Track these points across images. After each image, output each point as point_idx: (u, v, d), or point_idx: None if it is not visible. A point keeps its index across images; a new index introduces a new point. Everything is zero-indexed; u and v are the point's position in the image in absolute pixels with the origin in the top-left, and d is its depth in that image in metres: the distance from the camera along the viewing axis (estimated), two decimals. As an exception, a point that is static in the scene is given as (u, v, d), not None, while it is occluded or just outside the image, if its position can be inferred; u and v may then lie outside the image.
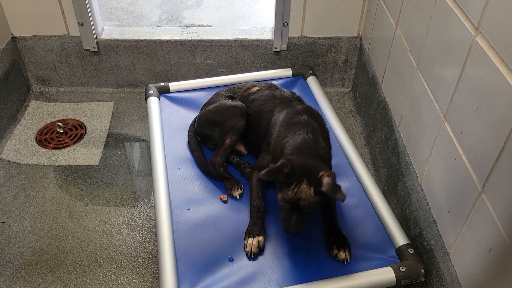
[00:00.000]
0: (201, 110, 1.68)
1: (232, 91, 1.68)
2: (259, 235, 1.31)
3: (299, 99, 1.55)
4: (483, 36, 1.03)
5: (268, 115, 1.50)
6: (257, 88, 1.62)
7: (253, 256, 1.29)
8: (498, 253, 0.96)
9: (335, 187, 1.17)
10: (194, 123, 1.69)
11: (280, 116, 1.44)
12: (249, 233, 1.32)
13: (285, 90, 1.59)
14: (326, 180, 1.16)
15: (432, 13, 1.32)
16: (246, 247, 1.30)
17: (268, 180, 1.35)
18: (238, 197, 1.46)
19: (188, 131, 1.70)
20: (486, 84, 1.02)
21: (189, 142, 1.67)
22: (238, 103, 1.57)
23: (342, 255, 1.27)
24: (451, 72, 1.19)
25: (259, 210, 1.37)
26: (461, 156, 1.13)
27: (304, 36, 2.19)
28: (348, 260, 1.27)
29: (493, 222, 0.98)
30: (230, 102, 1.58)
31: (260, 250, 1.30)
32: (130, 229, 1.69)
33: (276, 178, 1.23)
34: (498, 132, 0.96)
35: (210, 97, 1.71)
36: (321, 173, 1.18)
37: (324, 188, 1.15)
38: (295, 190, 1.18)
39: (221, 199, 1.47)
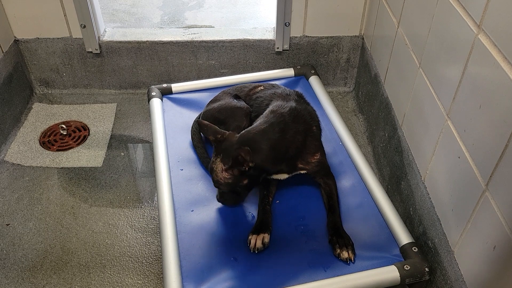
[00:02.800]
0: (207, 106, 1.69)
1: (238, 90, 1.70)
2: (264, 232, 1.32)
3: (300, 96, 1.54)
4: (485, 34, 1.03)
5: (265, 109, 1.50)
6: (261, 88, 1.65)
7: (256, 251, 1.29)
8: (502, 251, 0.96)
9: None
10: (199, 118, 1.70)
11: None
12: (255, 230, 1.33)
13: (289, 89, 1.60)
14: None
15: (434, 11, 1.32)
16: (250, 242, 1.30)
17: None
18: None
19: (192, 127, 1.71)
20: (489, 82, 1.02)
21: (192, 137, 1.68)
22: (243, 104, 1.60)
23: (345, 254, 1.27)
24: (453, 70, 1.19)
25: (266, 208, 1.38)
26: (464, 154, 1.12)
27: (306, 36, 2.19)
28: (352, 259, 1.27)
29: (497, 220, 0.97)
30: (235, 102, 1.60)
31: (264, 246, 1.30)
32: (134, 230, 1.70)
33: (206, 134, 1.35)
34: (502, 130, 0.96)
35: (217, 94, 1.73)
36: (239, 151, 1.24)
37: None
38: (213, 161, 1.30)
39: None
